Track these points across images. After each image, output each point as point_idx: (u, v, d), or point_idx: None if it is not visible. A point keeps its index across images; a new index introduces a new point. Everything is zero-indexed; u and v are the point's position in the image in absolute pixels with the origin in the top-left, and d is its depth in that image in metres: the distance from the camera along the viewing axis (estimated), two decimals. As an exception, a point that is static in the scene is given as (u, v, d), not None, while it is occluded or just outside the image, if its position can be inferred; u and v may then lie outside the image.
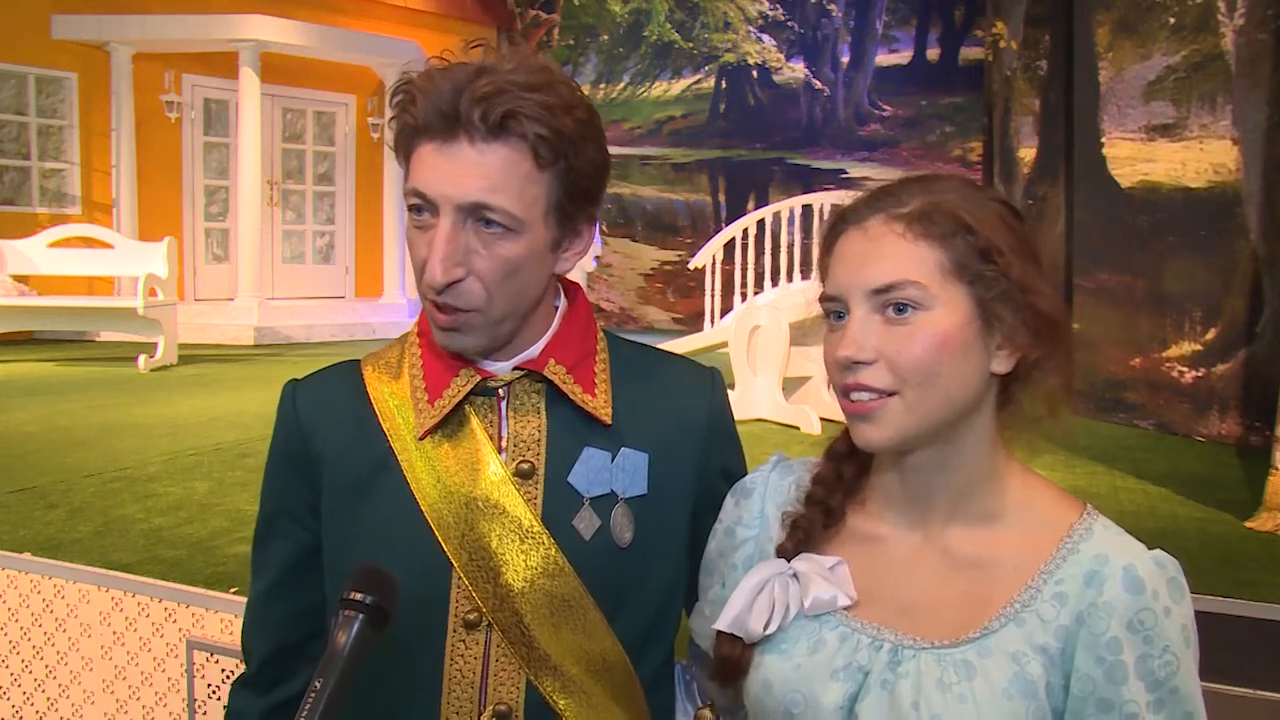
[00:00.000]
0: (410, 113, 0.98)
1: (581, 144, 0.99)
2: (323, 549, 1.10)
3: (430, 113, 0.96)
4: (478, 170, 0.95)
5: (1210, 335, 4.52)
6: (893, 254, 0.89)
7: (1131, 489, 3.57)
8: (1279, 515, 3.04)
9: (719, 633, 0.97)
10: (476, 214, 0.97)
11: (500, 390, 1.07)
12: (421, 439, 1.05)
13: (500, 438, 1.06)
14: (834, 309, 0.92)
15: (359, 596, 0.86)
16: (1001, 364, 0.90)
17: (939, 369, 0.87)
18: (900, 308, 0.88)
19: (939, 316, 0.87)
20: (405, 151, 1.00)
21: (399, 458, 1.06)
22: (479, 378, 1.05)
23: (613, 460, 1.05)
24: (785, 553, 0.98)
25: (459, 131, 0.96)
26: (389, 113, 1.02)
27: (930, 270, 0.88)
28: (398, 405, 1.08)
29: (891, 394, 0.88)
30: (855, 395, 0.89)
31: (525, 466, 1.04)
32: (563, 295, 1.12)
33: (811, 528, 0.98)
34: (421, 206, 0.98)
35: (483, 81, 0.95)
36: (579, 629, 1.03)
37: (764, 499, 1.05)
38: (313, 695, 0.83)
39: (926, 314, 0.87)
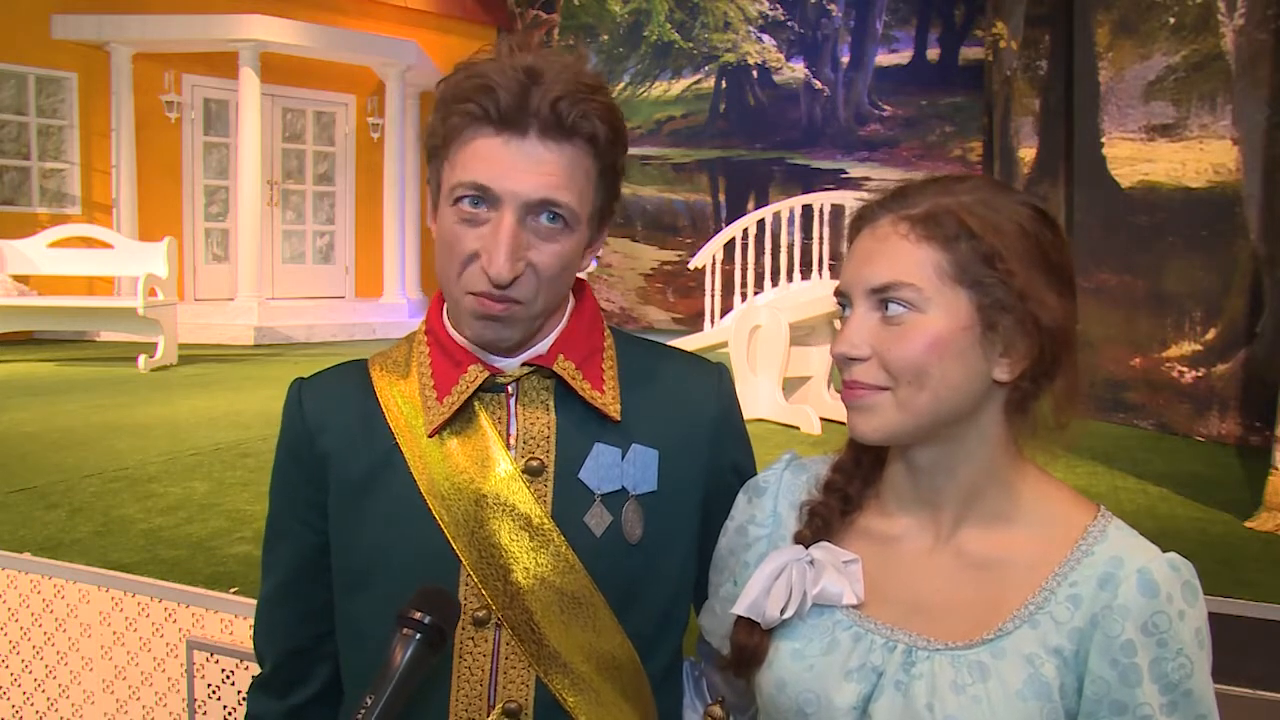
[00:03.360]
0: (480, 102, 0.96)
1: (624, 147, 1.03)
2: (330, 547, 1.10)
3: (506, 104, 0.95)
4: (548, 168, 0.96)
5: (1210, 335, 4.52)
6: (893, 254, 0.89)
7: (1131, 489, 3.57)
8: (1279, 515, 3.04)
9: (737, 620, 0.97)
10: (540, 210, 0.97)
11: (509, 387, 1.06)
12: (431, 436, 1.05)
13: (509, 434, 1.05)
14: (842, 303, 0.94)
15: (419, 616, 0.87)
16: (1004, 372, 0.90)
17: (929, 370, 0.88)
18: (895, 308, 0.88)
19: (933, 319, 0.88)
20: (454, 139, 0.98)
21: (406, 455, 1.05)
22: (487, 374, 1.05)
23: (623, 457, 1.05)
24: (803, 540, 0.98)
25: (529, 127, 0.96)
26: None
27: (928, 273, 0.88)
28: (406, 403, 1.07)
29: (884, 389, 0.89)
30: (850, 386, 0.92)
31: (535, 464, 1.04)
32: (570, 292, 1.12)
33: (830, 515, 0.99)
34: (479, 199, 0.97)
35: (556, 80, 0.95)
36: (589, 626, 1.03)
37: (777, 497, 1.05)
38: (363, 711, 0.83)
39: (920, 316, 0.88)
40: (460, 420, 1.05)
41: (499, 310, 1.00)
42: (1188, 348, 4.60)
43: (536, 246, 0.98)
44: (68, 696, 2.47)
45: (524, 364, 1.06)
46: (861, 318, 0.91)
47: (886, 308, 0.89)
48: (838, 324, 0.95)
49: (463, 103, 0.97)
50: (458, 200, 0.98)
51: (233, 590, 2.35)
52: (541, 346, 1.07)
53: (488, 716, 1.02)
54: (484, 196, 0.97)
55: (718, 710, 1.11)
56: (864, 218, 0.94)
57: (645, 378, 1.11)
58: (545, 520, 1.02)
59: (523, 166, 0.96)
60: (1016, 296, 0.87)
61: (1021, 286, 0.87)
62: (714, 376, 1.15)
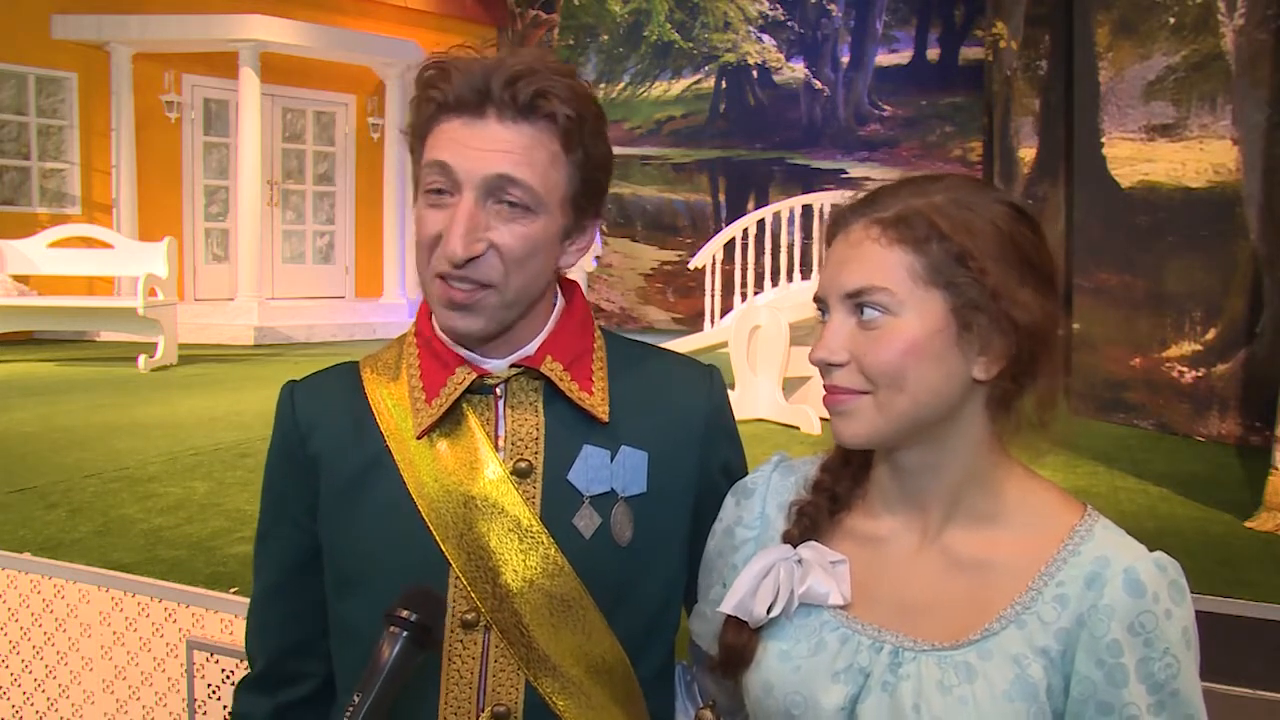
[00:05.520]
0: (440, 88, 0.98)
1: (598, 136, 1.02)
2: (322, 549, 1.10)
3: (462, 88, 0.97)
4: (505, 145, 0.97)
5: (1210, 335, 4.52)
6: (866, 258, 0.90)
7: (1131, 489, 3.57)
8: (1279, 515, 3.04)
9: (725, 619, 0.97)
10: (499, 191, 0.97)
11: (497, 389, 1.06)
12: (419, 438, 1.05)
13: (497, 436, 1.05)
14: (821, 309, 0.94)
15: (405, 614, 0.88)
16: (982, 371, 0.89)
17: (905, 373, 0.88)
18: (870, 312, 0.89)
19: (907, 322, 0.88)
20: (424, 131, 1.00)
21: (396, 457, 1.05)
22: (475, 375, 1.05)
23: (612, 459, 1.05)
24: (791, 539, 0.98)
25: (488, 108, 0.97)
26: (411, 92, 1.02)
27: (900, 276, 0.88)
28: (395, 405, 1.07)
29: (864, 393, 0.90)
30: (831, 392, 0.92)
31: (523, 465, 1.04)
32: (560, 293, 1.12)
33: (818, 515, 0.99)
34: (442, 187, 0.98)
35: (515, 61, 0.96)
36: (579, 629, 1.02)
37: (765, 500, 1.05)
38: (350, 710, 0.84)
39: (894, 319, 0.88)
40: (449, 422, 1.05)
41: (462, 297, 0.99)
42: (1188, 348, 4.60)
43: (497, 228, 0.98)
44: (68, 696, 2.47)
45: (512, 365, 1.06)
46: (838, 323, 0.91)
47: (862, 312, 0.89)
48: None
49: (425, 90, 0.99)
50: (427, 186, 0.99)
51: (233, 590, 2.35)
52: (529, 348, 1.07)
53: (477, 719, 1.02)
54: (446, 177, 0.98)
55: (708, 714, 1.11)
56: (838, 222, 0.94)
57: (635, 379, 1.11)
58: (534, 522, 1.02)
59: (480, 145, 0.96)
60: (990, 296, 0.87)
61: (995, 285, 0.87)
62: (705, 378, 1.14)
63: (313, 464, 1.09)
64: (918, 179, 0.93)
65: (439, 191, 0.98)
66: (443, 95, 0.98)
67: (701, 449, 1.11)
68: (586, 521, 1.03)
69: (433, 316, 1.09)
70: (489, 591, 1.01)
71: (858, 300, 0.89)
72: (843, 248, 0.92)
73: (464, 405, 1.06)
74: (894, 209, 0.90)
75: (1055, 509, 0.92)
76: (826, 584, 0.94)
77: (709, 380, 1.15)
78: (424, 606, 0.89)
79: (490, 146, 0.96)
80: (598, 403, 1.06)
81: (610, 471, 1.04)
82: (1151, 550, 0.88)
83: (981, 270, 0.87)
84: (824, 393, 0.93)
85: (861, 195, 0.94)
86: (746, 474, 1.13)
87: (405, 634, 0.87)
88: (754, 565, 0.96)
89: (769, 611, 0.94)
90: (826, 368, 0.91)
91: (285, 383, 1.14)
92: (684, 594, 1.14)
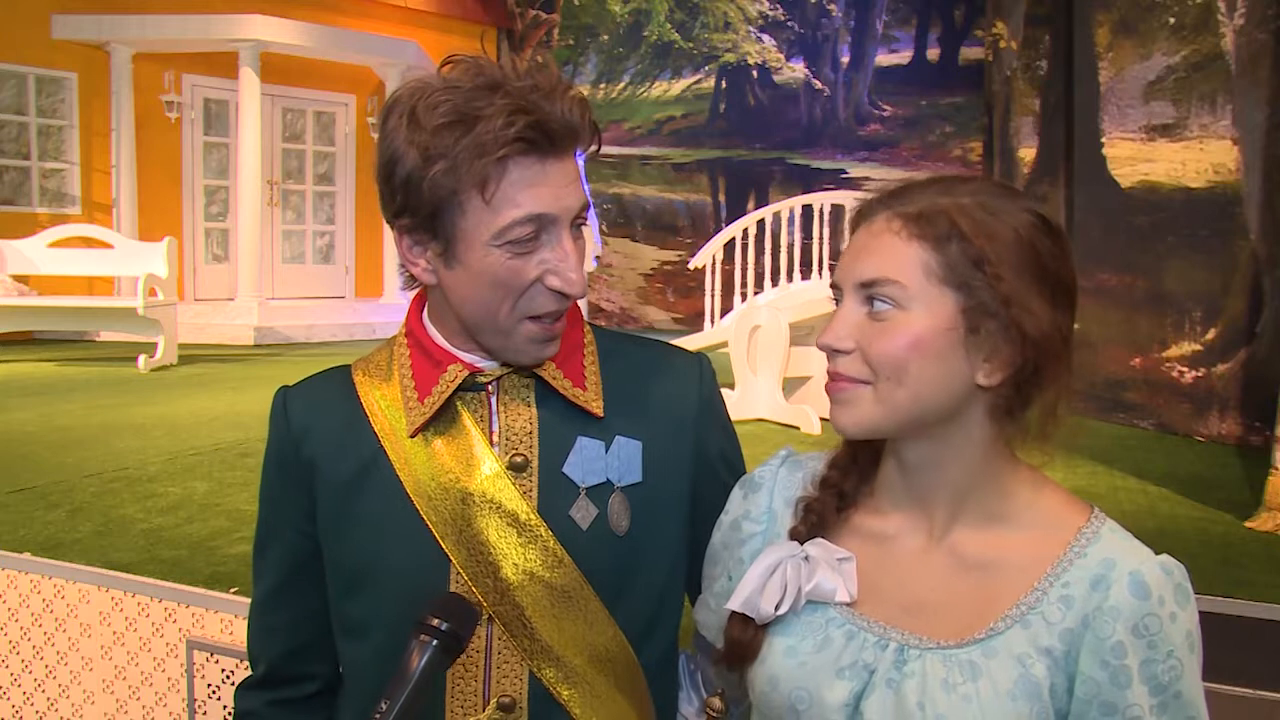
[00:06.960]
0: (527, 136, 0.93)
1: None
2: (322, 552, 1.11)
3: (553, 126, 0.94)
4: (576, 174, 0.99)
5: (1210, 335, 4.52)
6: (884, 250, 0.90)
7: (1131, 489, 3.57)
8: (1279, 515, 3.04)
9: (731, 615, 0.98)
10: (577, 219, 0.99)
11: (489, 385, 1.07)
12: (413, 436, 1.05)
13: (492, 432, 1.06)
14: (835, 297, 0.95)
15: (436, 623, 0.89)
16: (985, 377, 0.89)
17: (907, 368, 0.88)
18: (880, 304, 0.89)
19: (915, 317, 0.88)
20: (483, 182, 0.94)
21: (391, 458, 1.06)
22: (467, 372, 1.05)
23: (607, 449, 1.06)
24: (798, 536, 0.99)
25: (567, 145, 0.97)
26: (492, 129, 0.92)
27: (915, 271, 0.88)
28: (388, 406, 1.08)
29: (865, 383, 0.90)
30: (833, 378, 0.92)
31: (519, 459, 1.04)
32: None
33: (825, 512, 0.99)
34: (536, 232, 0.96)
35: (574, 94, 0.96)
36: (580, 620, 1.03)
37: (772, 494, 1.05)
38: (378, 715, 0.85)
39: (903, 313, 0.88)
40: (443, 420, 1.06)
41: (560, 327, 1.02)
42: (1188, 348, 4.60)
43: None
44: (68, 696, 2.47)
45: (504, 363, 1.06)
46: (849, 311, 0.91)
47: (873, 304, 0.90)
48: None
49: (513, 133, 0.92)
50: (514, 238, 0.96)
51: (233, 590, 2.35)
52: None
53: (483, 711, 1.03)
54: (539, 224, 0.96)
55: (718, 702, 1.12)
56: (863, 212, 0.95)
57: (626, 371, 1.12)
58: (532, 516, 1.03)
59: (568, 182, 0.97)
60: (1002, 302, 0.87)
61: (1008, 292, 0.86)
62: (694, 366, 1.15)
63: (308, 469, 1.09)
64: (945, 178, 0.93)
65: (530, 239, 0.96)
66: (528, 139, 0.93)
67: (695, 435, 1.12)
68: (583, 513, 1.04)
69: (424, 317, 1.09)
70: (490, 586, 1.02)
71: (870, 291, 0.90)
72: (864, 237, 0.93)
73: (457, 403, 1.06)
74: (919, 205, 0.90)
75: (1062, 511, 0.93)
76: (833, 581, 0.94)
77: (698, 367, 1.16)
78: (455, 615, 0.91)
79: (573, 181, 0.97)
80: (592, 398, 1.07)
81: (605, 462, 1.05)
82: (1155, 552, 0.88)
83: (996, 276, 0.87)
84: (827, 379, 0.93)
85: (891, 188, 0.94)
86: (741, 460, 1.14)
87: (435, 643, 0.88)
88: (761, 562, 0.97)
89: (776, 609, 0.94)
90: (832, 354, 0.91)
91: (278, 389, 1.15)
92: (686, 583, 1.14)
